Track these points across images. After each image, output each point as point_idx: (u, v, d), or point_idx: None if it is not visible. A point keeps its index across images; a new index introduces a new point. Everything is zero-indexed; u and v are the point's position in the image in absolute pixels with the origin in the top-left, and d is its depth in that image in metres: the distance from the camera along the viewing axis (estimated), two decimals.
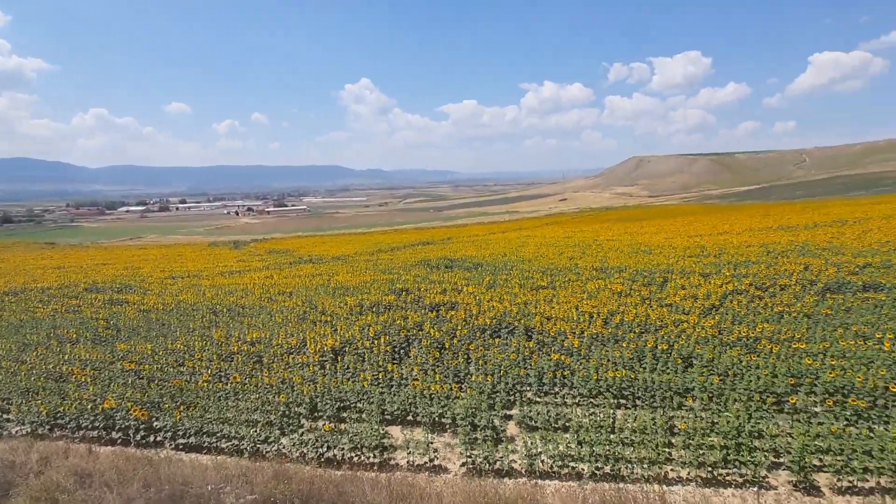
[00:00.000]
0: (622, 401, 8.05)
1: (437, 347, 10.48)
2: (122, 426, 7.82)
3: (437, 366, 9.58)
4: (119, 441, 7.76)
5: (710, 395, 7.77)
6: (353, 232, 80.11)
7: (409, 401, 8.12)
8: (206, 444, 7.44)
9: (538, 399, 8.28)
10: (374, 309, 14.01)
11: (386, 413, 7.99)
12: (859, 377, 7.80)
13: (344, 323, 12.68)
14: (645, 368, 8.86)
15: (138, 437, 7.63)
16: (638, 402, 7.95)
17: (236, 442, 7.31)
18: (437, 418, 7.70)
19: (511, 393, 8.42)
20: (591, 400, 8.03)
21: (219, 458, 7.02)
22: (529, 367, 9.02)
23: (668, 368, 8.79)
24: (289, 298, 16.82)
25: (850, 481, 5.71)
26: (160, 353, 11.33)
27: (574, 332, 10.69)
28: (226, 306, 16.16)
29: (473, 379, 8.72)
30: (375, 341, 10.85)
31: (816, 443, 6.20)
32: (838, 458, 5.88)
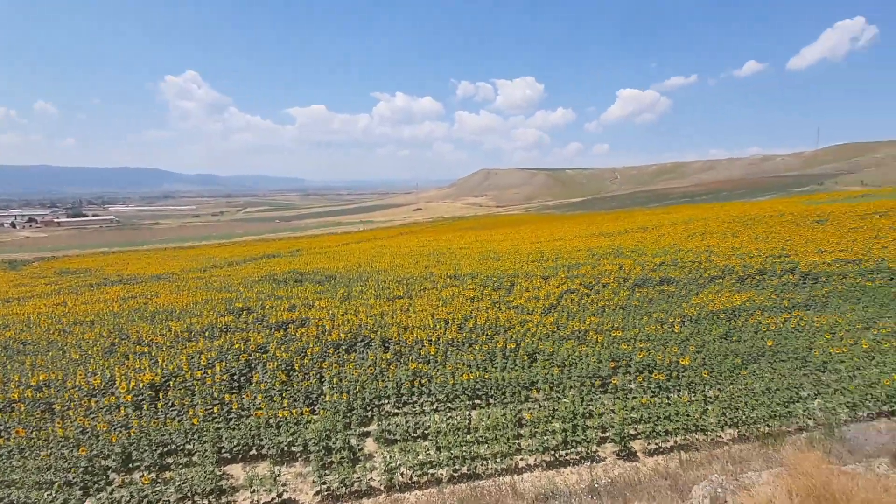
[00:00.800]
0: (477, 401, 8.59)
1: (285, 369, 9.72)
2: None
3: (286, 390, 8.87)
4: None
5: (552, 385, 8.82)
6: (179, 246, 69.92)
7: (252, 433, 7.34)
8: None
9: (397, 410, 8.29)
10: (206, 333, 12.36)
11: (224, 451, 7.07)
12: (659, 355, 9.77)
13: (167, 353, 10.88)
14: (496, 368, 9.63)
15: None
16: (491, 400, 8.57)
17: None
18: (285, 447, 7.10)
19: (369, 408, 8.26)
20: (449, 404, 8.37)
21: None
22: (387, 379, 8.99)
23: (516, 365, 9.70)
24: (89, 329, 13.78)
25: (656, 444, 7.05)
26: None
27: (431, 340, 11.05)
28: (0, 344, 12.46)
29: (327, 399, 8.31)
30: (209, 370, 9.55)
31: (632, 415, 7.51)
32: (647, 425, 7.22)
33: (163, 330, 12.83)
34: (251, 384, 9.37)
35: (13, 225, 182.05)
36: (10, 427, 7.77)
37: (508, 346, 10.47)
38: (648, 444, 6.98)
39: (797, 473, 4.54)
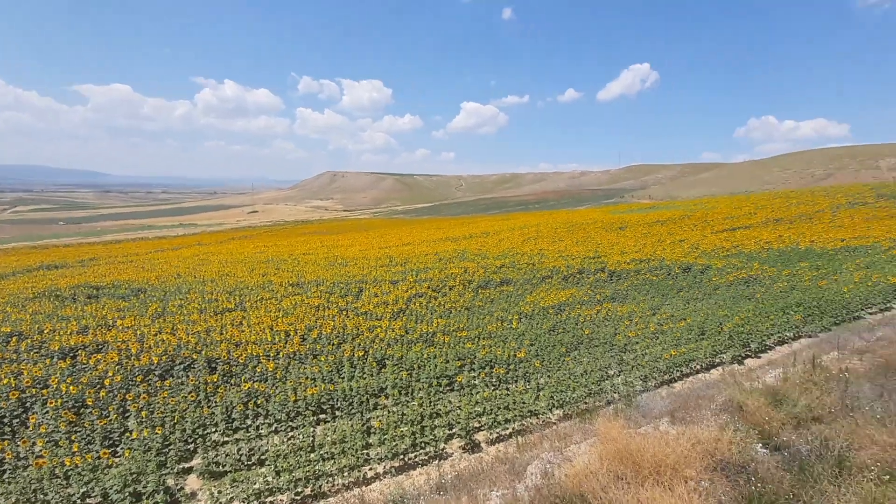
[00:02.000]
0: (322, 415, 8.27)
1: (74, 407, 7.96)
2: None
3: (76, 431, 7.26)
4: None
5: (401, 389, 8.99)
6: None
7: (33, 487, 5.81)
8: None
9: (227, 438, 7.47)
10: None
11: None
12: (499, 351, 10.77)
13: None
14: (343, 378, 9.42)
15: None
16: (338, 412, 8.34)
17: None
18: (79, 500, 5.79)
19: (191, 440, 7.26)
20: (290, 423, 7.87)
21: None
22: (214, 404, 8.05)
23: (364, 373, 9.63)
24: None
25: (497, 433, 7.72)
26: None
27: (269, 355, 10.27)
28: None
29: (135, 436, 7.06)
30: None
31: (476, 409, 8.10)
32: (490, 417, 7.87)
33: None
34: (27, 428, 7.46)
35: None
36: None
37: (356, 354, 10.35)
38: (491, 434, 7.61)
39: (606, 440, 5.46)
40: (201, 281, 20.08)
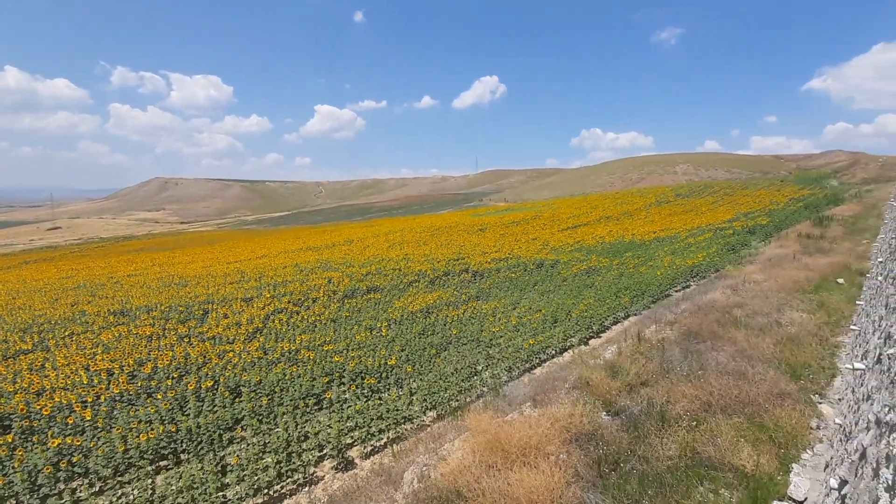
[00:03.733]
0: (163, 462, 7.24)
1: None
2: None
3: None
4: None
5: (260, 417, 8.33)
6: None
7: None
8: None
9: None
10: None
11: None
12: (370, 360, 10.65)
13: None
14: (188, 415, 8.38)
15: None
16: (183, 455, 7.38)
17: None
18: None
19: None
20: (120, 478, 6.73)
21: None
22: (12, 470, 6.49)
23: (215, 406, 8.69)
24: None
25: (372, 446, 7.62)
26: None
27: (85, 402, 8.65)
28: None
29: None
30: None
31: (348, 424, 7.89)
32: (363, 430, 7.73)
33: None
34: None
35: None
36: None
37: (204, 386, 9.29)
38: (365, 447, 7.48)
39: (477, 433, 5.78)
40: None
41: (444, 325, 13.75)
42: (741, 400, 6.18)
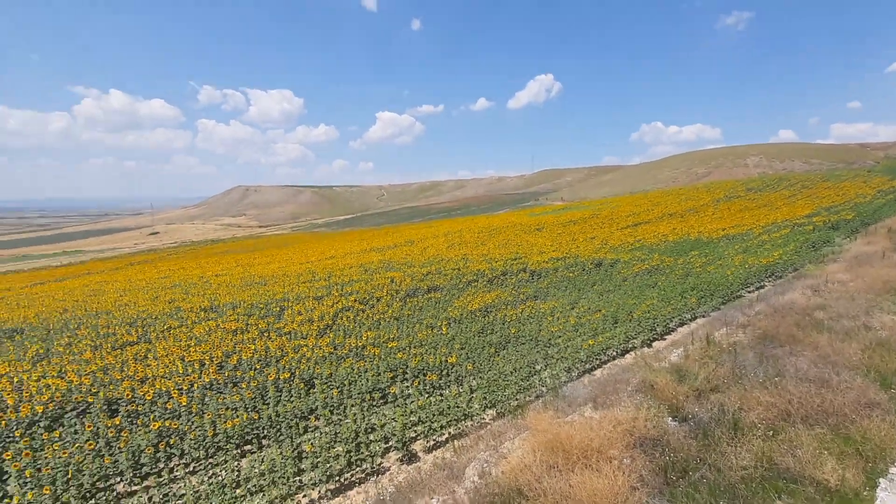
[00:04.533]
0: (247, 447, 7.74)
1: None
2: None
3: None
4: None
5: (332, 408, 8.68)
6: None
7: None
8: None
9: (136, 487, 6.72)
10: None
11: None
12: (431, 358, 10.79)
13: None
14: (268, 404, 8.89)
15: None
16: (264, 441, 7.85)
17: None
18: None
19: (91, 495, 6.43)
20: (210, 460, 7.27)
21: None
22: (118, 450, 7.21)
23: (292, 396, 9.17)
24: None
25: (434, 440, 7.72)
26: None
27: (181, 389, 9.43)
28: None
29: (16, 501, 6.10)
30: None
31: (411, 419, 8.04)
32: (425, 425, 7.85)
33: None
34: None
35: None
36: None
37: (282, 377, 9.83)
38: (427, 441, 7.59)
39: (537, 432, 5.68)
40: (94, 314, 17.97)
41: (503, 324, 13.65)
42: (824, 409, 5.63)
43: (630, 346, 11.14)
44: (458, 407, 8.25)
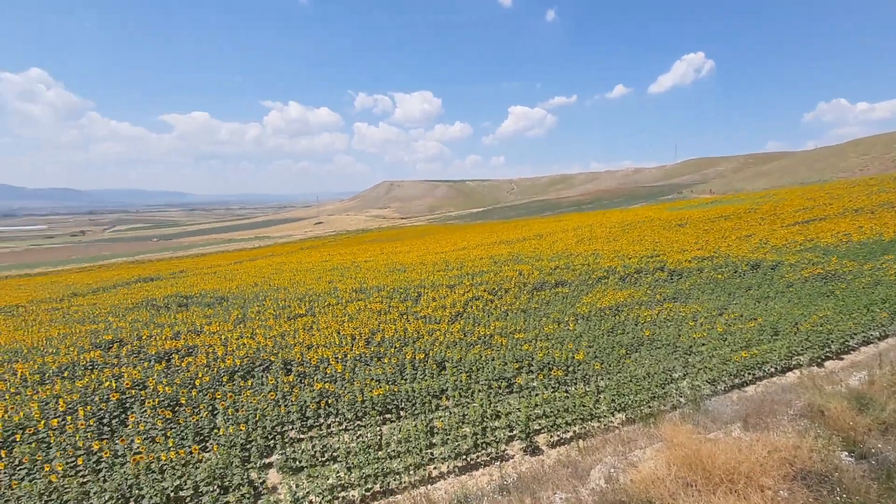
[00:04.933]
0: (388, 415, 8.47)
1: (169, 405, 8.69)
2: None
3: (171, 428, 7.93)
4: None
5: (461, 391, 9.03)
6: (28, 273, 59.23)
7: (130, 482, 6.41)
8: None
9: (302, 435, 7.85)
10: (66, 374, 10.59)
11: None
12: (557, 353, 10.52)
13: (11, 401, 9.09)
14: (406, 380, 9.61)
15: None
16: (402, 412, 8.51)
17: None
18: (171, 493, 6.31)
19: (270, 437, 7.70)
20: (359, 422, 8.14)
21: None
22: (290, 403, 8.48)
23: (425, 375, 9.77)
24: None
25: (558, 436, 7.54)
26: None
27: (337, 357, 10.68)
28: None
29: (221, 433, 7.58)
30: (69, 417, 8.19)
31: (536, 411, 7.97)
32: (549, 419, 7.71)
33: (5, 373, 10.72)
34: (126, 426, 8.22)
35: None
36: None
37: (417, 357, 10.51)
38: (551, 436, 7.45)
39: (673, 446, 5.18)
40: (275, 289, 21.28)
41: (635, 324, 12.66)
42: None
43: (794, 363, 9.45)
44: (584, 406, 7.93)
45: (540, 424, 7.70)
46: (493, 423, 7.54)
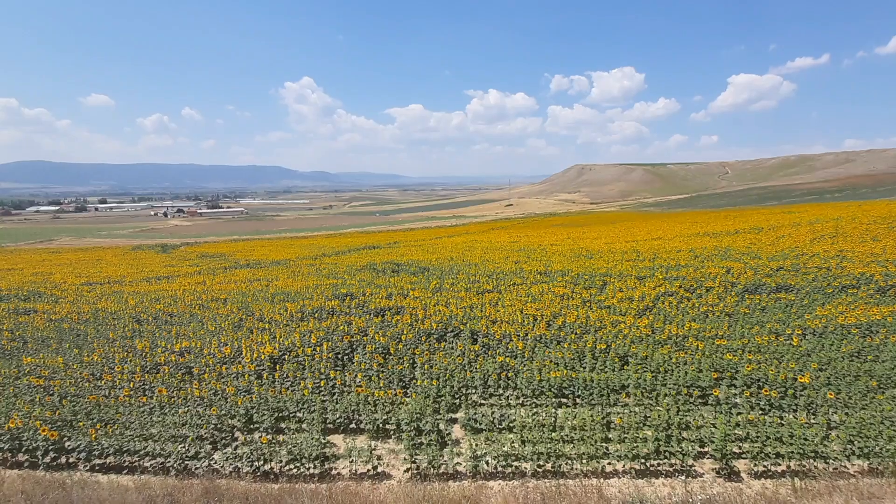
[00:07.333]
0: (563, 399, 8.37)
1: (382, 353, 10.34)
2: (30, 447, 6.99)
3: (382, 371, 9.45)
4: (26, 464, 6.95)
5: (644, 390, 8.27)
6: (295, 236, 77.33)
7: (353, 408, 7.94)
8: (126, 463, 6.83)
9: (483, 401, 8.40)
10: (316, 315, 13.59)
11: (328, 422, 7.76)
12: (772, 370, 8.64)
13: (283, 330, 12.18)
14: (585, 368, 9.27)
15: (48, 459, 6.87)
16: (578, 400, 8.29)
17: (161, 460, 6.76)
18: (381, 425, 7.58)
19: (456, 396, 8.47)
20: (535, 400, 8.26)
21: (142, 477, 6.47)
22: (475, 370, 9.13)
23: (605, 367, 9.24)
24: (223, 305, 15.90)
25: (765, 466, 6.28)
26: (74, 366, 10.26)
27: (518, 335, 10.97)
28: (151, 314, 14.98)
29: (419, 384, 8.68)
30: (317, 348, 10.52)
31: (736, 431, 6.78)
32: (755, 444, 6.46)
33: (280, 310, 14.34)
34: (353, 363, 10.12)
35: (165, 214, 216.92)
36: (154, 386, 9.10)
37: (598, 347, 10.01)
38: (755, 465, 6.24)
39: None
40: (467, 264, 22.93)
41: None
42: None
43: None
44: (805, 439, 6.37)
45: (740, 448, 6.53)
46: (680, 432, 6.72)
